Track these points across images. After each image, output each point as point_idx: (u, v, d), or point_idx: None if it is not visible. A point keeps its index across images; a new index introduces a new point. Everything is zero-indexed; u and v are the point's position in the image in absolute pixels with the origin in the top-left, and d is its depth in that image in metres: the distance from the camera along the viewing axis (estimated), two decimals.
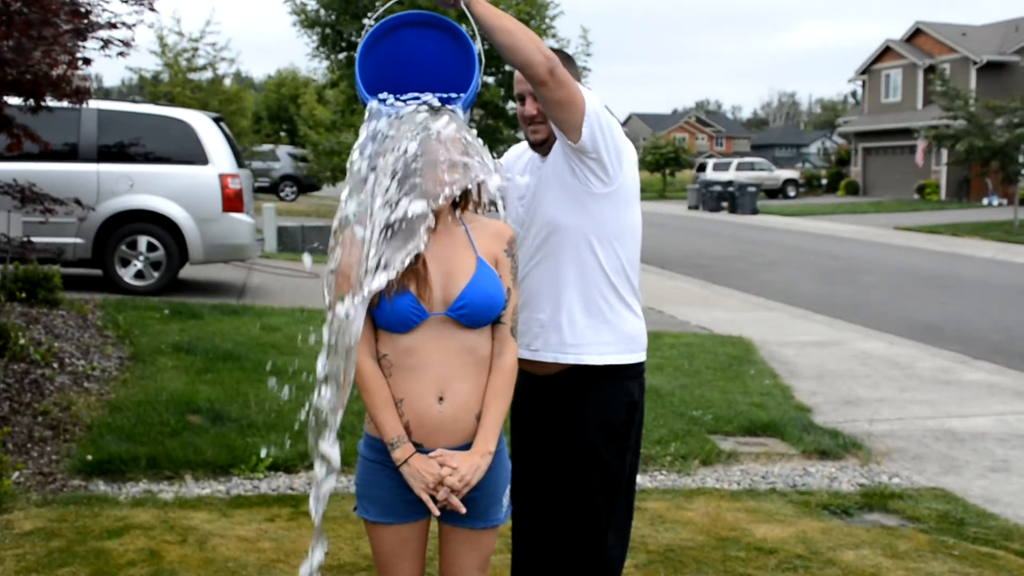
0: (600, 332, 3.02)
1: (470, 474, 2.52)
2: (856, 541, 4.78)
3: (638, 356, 3.09)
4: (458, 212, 2.61)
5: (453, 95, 2.64)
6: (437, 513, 2.54)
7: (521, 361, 2.78)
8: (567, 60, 3.11)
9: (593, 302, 3.02)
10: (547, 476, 3.06)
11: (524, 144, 3.24)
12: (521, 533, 3.19)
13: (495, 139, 20.61)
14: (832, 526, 5.00)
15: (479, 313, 2.55)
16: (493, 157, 2.60)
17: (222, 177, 10.68)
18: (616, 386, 3.05)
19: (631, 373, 3.07)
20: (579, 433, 3.02)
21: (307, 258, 2.92)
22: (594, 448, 3.02)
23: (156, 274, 10.56)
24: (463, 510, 2.53)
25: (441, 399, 2.54)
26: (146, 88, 26.56)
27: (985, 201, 37.76)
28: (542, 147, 3.10)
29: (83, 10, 7.28)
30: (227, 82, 27.96)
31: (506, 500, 2.70)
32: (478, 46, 2.71)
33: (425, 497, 2.51)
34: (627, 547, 3.27)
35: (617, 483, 3.09)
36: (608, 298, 3.03)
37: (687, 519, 4.99)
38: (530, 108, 3.04)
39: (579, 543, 3.05)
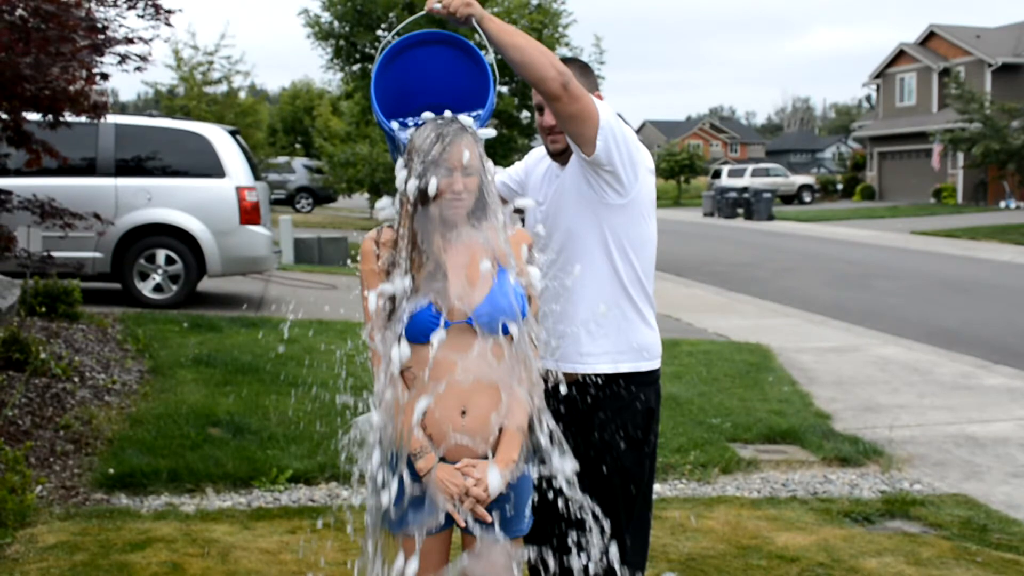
0: (615, 341, 3.04)
1: (495, 483, 2.54)
2: (878, 548, 4.75)
3: (653, 364, 3.11)
4: (477, 220, 2.64)
5: (470, 114, 2.66)
6: (463, 524, 2.56)
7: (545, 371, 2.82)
8: (584, 69, 3.13)
9: (610, 313, 3.03)
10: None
11: (543, 149, 3.26)
12: (539, 541, 3.18)
13: (509, 148, 20.65)
14: (854, 533, 4.98)
15: (500, 321, 2.56)
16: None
17: (239, 190, 10.73)
18: (633, 393, 3.06)
19: (647, 380, 3.10)
20: (598, 440, 3.03)
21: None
22: (613, 455, 3.03)
23: (174, 287, 10.61)
24: (489, 519, 2.55)
25: (464, 412, 2.56)
26: (162, 102, 26.77)
27: (1002, 204, 37.57)
28: (561, 156, 3.12)
29: (100, 26, 7.33)
30: (242, 95, 28.16)
31: (528, 511, 2.71)
32: (490, 58, 2.73)
33: (450, 508, 2.53)
34: (647, 555, 3.26)
35: (636, 490, 3.10)
36: (624, 308, 3.06)
37: (708, 528, 4.98)
38: (548, 119, 3.06)
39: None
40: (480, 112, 2.68)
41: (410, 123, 2.68)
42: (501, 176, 3.34)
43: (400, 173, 2.59)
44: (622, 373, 3.03)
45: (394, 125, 2.70)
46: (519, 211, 3.35)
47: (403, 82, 2.79)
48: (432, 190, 2.51)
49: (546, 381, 3.05)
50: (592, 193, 3.00)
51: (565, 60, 3.07)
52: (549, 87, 2.75)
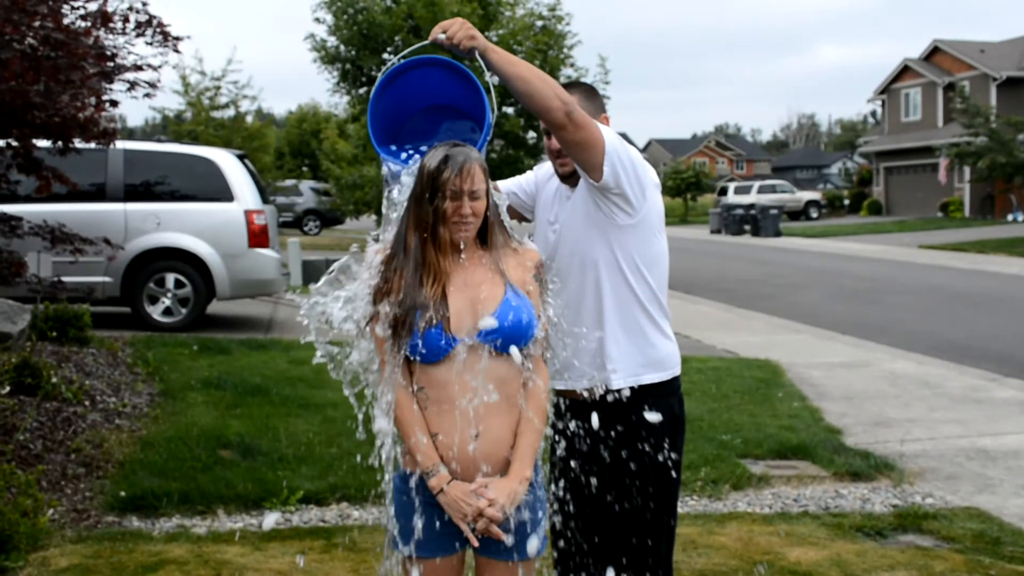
0: (641, 356, 3.08)
1: (508, 502, 2.54)
2: (891, 563, 4.74)
3: (675, 372, 3.16)
4: (486, 240, 2.67)
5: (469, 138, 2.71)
6: (476, 544, 2.56)
7: (565, 391, 2.95)
8: (589, 93, 3.16)
9: (632, 330, 3.08)
10: (600, 498, 3.07)
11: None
12: (570, 559, 3.17)
13: (516, 169, 20.68)
14: (866, 548, 4.97)
15: (510, 338, 2.57)
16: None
17: (247, 213, 10.79)
18: (659, 403, 3.09)
19: (670, 389, 3.14)
20: (634, 450, 3.05)
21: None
22: (642, 465, 3.05)
23: (184, 310, 10.65)
24: (503, 537, 2.55)
25: (476, 435, 2.56)
26: (170, 127, 26.86)
27: (1010, 217, 37.49)
28: (570, 179, 3.14)
29: (109, 53, 7.40)
30: (249, 119, 28.24)
31: (542, 531, 2.71)
32: (488, 77, 2.78)
33: (464, 527, 2.53)
34: (672, 560, 3.25)
35: (673, 495, 3.14)
36: (644, 324, 3.10)
37: (720, 544, 4.97)
38: (556, 142, 3.08)
39: (642, 559, 3.05)
40: (478, 137, 2.72)
41: (410, 153, 2.73)
42: (509, 184, 3.37)
43: (397, 194, 2.64)
44: (647, 385, 3.08)
45: (392, 152, 2.75)
46: (527, 220, 3.39)
47: (400, 106, 2.84)
48: (441, 213, 2.54)
49: (563, 398, 3.09)
50: (602, 216, 3.03)
51: (571, 84, 3.11)
52: (553, 117, 2.79)
